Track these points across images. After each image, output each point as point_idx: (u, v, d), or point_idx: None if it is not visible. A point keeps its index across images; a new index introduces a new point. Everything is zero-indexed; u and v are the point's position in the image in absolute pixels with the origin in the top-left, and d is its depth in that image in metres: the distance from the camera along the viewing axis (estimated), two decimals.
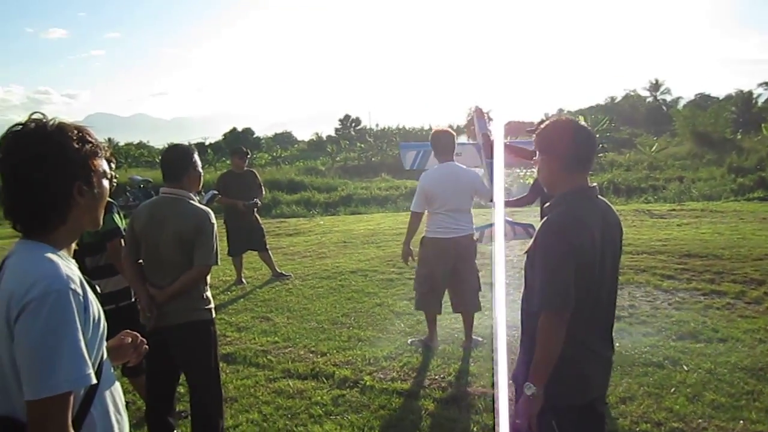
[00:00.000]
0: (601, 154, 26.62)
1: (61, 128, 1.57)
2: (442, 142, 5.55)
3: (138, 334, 1.96)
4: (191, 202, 3.56)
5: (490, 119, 6.39)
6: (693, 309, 6.26)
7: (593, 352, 2.40)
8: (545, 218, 2.36)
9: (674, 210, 14.26)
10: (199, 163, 3.68)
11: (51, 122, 1.58)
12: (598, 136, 27.83)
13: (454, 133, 5.71)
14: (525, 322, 2.44)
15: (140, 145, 54.20)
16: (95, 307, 1.57)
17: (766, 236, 9.98)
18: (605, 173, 22.59)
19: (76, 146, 1.57)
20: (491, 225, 5.93)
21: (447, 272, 5.48)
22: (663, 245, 9.33)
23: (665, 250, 8.96)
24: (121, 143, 56.83)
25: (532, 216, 6.46)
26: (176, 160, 3.60)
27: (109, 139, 60.88)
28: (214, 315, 3.68)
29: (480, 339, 5.59)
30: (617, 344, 5.12)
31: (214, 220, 3.56)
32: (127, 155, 39.00)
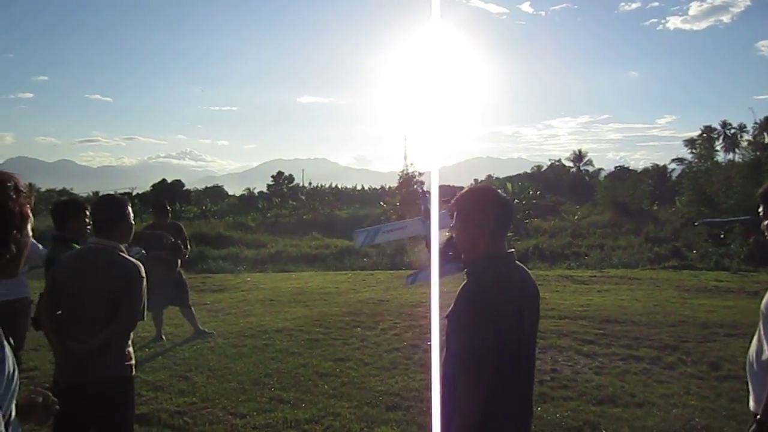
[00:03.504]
0: (527, 221, 27.42)
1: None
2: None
3: (49, 393, 1.85)
4: (121, 254, 3.43)
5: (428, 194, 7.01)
6: (612, 374, 6.40)
7: (512, 416, 2.40)
8: (464, 283, 2.38)
9: (595, 276, 14.71)
10: (131, 214, 3.57)
11: None
12: (525, 202, 28.88)
13: None
14: (444, 386, 2.42)
15: (63, 192, 52.44)
16: (10, 362, 1.49)
17: (680, 303, 10.41)
18: (531, 239, 23.19)
19: (14, 196, 1.53)
20: (422, 270, 6.37)
21: None
22: (584, 310, 9.58)
23: (586, 315, 9.20)
24: (43, 189, 54.81)
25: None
26: (109, 211, 3.49)
27: (30, 185, 58.49)
28: (134, 372, 3.51)
29: None
30: (539, 408, 5.19)
31: (144, 274, 3.44)
32: (48, 202, 37.54)
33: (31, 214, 1.62)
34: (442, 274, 6.02)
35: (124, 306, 3.34)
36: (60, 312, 3.44)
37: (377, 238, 7.48)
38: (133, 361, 3.49)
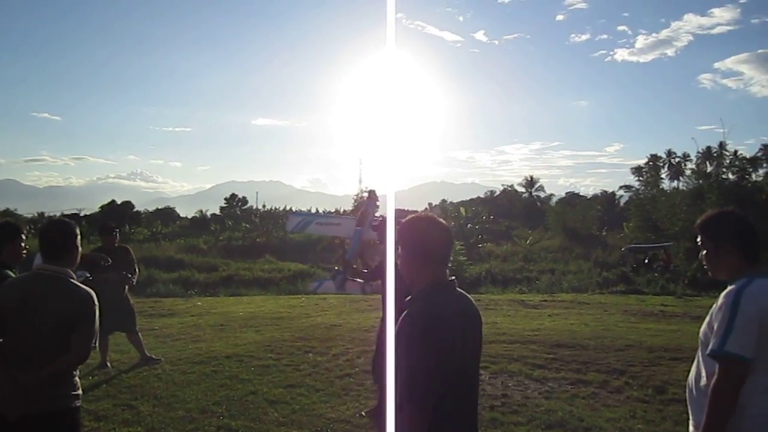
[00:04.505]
0: (480, 245, 27.77)
1: None
2: None
3: None
4: (72, 281, 3.33)
5: (377, 200, 7.00)
6: (561, 398, 6.48)
7: None
8: (405, 312, 2.39)
9: (546, 301, 14.93)
10: (79, 239, 3.48)
11: None
12: (478, 227, 29.20)
13: None
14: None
15: (6, 213, 50.82)
16: None
17: (627, 328, 10.64)
18: (483, 263, 23.47)
19: None
20: (327, 280, 6.49)
21: None
22: (535, 335, 9.71)
23: (537, 339, 9.32)
24: None
25: None
26: (60, 236, 3.39)
27: None
28: (80, 402, 3.39)
29: None
30: None
31: (96, 302, 3.34)
32: None
33: None
34: (346, 289, 6.21)
35: (78, 335, 3.22)
36: (1, 340, 3.30)
37: (309, 227, 7.36)
38: (80, 391, 3.38)
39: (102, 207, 58.07)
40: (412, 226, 2.51)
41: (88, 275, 7.33)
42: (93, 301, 3.31)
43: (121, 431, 5.55)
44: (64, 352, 3.21)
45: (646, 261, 21.04)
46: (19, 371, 3.18)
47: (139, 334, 8.29)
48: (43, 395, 3.18)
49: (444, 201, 62.61)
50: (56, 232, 3.43)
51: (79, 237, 3.46)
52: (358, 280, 6.43)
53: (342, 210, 36.13)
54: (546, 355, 8.26)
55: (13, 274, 3.84)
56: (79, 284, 3.35)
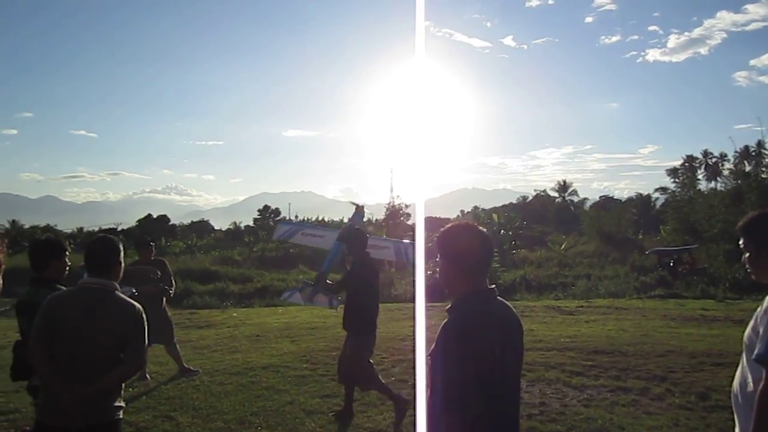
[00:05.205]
0: (513, 251, 27.52)
1: None
2: None
3: None
4: (118, 293, 3.41)
5: (363, 215, 7.08)
6: (600, 406, 6.37)
7: None
8: (445, 320, 2.38)
9: (582, 306, 14.72)
10: (122, 254, 3.57)
11: None
12: (511, 233, 28.94)
13: None
14: (431, 425, 2.40)
15: (47, 229, 52.16)
16: None
17: (667, 333, 10.43)
18: (518, 270, 23.25)
19: None
20: (300, 289, 6.60)
21: None
22: (572, 341, 9.57)
23: (574, 346, 9.19)
24: (26, 226, 54.48)
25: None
26: (107, 252, 3.47)
27: (14, 221, 58.20)
28: (122, 414, 3.46)
29: None
30: None
31: (144, 314, 3.43)
32: (31, 239, 37.11)
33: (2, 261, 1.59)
34: (314, 302, 6.31)
35: (132, 348, 3.32)
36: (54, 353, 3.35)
37: (295, 237, 7.40)
38: (123, 403, 3.44)
39: (139, 221, 59.24)
40: (451, 234, 2.50)
41: (134, 291, 7.42)
42: (141, 314, 3.40)
43: None
44: (115, 363, 3.29)
45: (671, 264, 20.70)
46: (78, 383, 3.22)
47: (177, 345, 8.39)
48: (97, 407, 3.25)
49: (476, 208, 62.29)
50: (101, 248, 3.51)
51: (122, 252, 3.54)
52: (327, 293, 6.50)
53: (374, 218, 36.19)
54: (584, 362, 8.14)
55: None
56: (126, 297, 3.43)
